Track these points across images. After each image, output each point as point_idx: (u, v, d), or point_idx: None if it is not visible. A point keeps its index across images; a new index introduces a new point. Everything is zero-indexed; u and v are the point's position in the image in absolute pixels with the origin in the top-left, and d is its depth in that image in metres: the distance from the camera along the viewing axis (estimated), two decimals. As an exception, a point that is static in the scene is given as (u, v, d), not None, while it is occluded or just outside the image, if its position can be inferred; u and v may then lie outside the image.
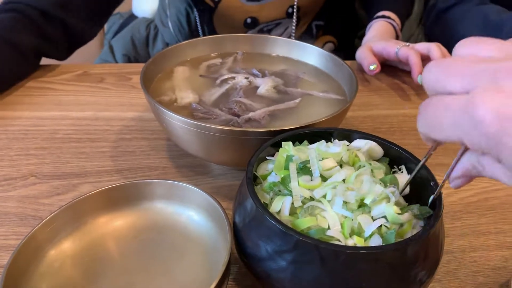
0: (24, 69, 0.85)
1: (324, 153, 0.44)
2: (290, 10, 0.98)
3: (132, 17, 1.49)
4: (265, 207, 0.39)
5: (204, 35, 1.08)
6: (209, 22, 1.04)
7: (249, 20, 1.01)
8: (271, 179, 0.44)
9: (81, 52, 1.63)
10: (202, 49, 0.75)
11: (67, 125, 0.73)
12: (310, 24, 1.07)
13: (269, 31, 1.05)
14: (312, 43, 0.76)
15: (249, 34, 0.90)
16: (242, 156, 0.55)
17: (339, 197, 0.40)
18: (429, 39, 1.23)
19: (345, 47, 1.18)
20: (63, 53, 0.92)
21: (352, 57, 0.93)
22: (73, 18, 0.87)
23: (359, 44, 0.95)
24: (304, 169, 0.43)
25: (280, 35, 1.06)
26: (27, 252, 0.44)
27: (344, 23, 1.09)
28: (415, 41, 1.20)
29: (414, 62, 0.80)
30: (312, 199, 0.41)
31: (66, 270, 0.45)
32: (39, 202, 0.58)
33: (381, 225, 0.38)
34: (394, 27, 0.96)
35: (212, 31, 1.06)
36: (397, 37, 0.97)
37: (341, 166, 0.45)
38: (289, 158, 0.44)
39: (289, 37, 1.04)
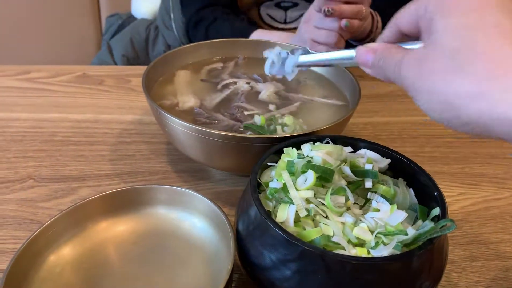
0: None
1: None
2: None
3: (131, 18, 1.48)
4: (269, 215, 0.39)
5: None
6: None
7: None
8: (273, 185, 0.43)
9: (77, 52, 1.63)
10: (203, 53, 0.75)
11: (66, 127, 0.73)
12: None
13: (285, 9, 1.05)
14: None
15: (251, 38, 0.90)
16: (243, 162, 0.55)
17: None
18: None
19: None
20: None
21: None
22: None
23: None
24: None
25: (297, 18, 1.06)
26: (27, 257, 0.43)
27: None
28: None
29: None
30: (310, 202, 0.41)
31: (66, 276, 0.44)
32: (38, 206, 0.57)
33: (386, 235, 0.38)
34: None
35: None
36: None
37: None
38: (289, 164, 0.43)
39: None
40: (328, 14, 0.73)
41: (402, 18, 0.34)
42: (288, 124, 0.60)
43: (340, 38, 0.78)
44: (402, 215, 0.39)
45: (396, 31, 0.36)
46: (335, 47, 0.73)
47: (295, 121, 0.61)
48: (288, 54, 0.52)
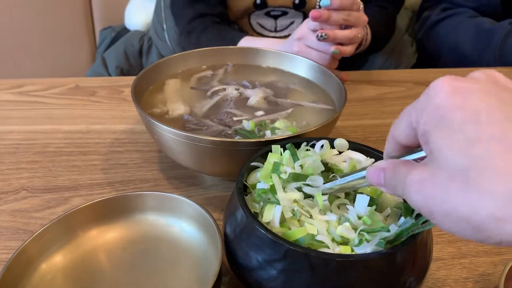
0: None
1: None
2: (297, 1, 0.99)
3: (124, 30, 1.50)
4: (255, 216, 0.40)
5: None
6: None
7: (258, 1, 1.03)
8: (260, 186, 0.44)
9: (72, 65, 1.64)
10: (193, 62, 0.76)
11: (58, 138, 0.74)
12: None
13: (275, 17, 1.07)
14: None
15: (239, 46, 0.91)
16: (233, 167, 0.55)
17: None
18: (420, 50, 1.25)
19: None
20: None
21: (343, 67, 0.94)
22: None
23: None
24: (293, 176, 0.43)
25: (287, 26, 1.08)
26: (18, 266, 0.44)
27: None
28: (402, 51, 1.22)
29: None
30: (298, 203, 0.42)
31: (57, 284, 0.45)
32: (31, 216, 0.58)
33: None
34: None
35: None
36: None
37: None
38: (276, 166, 0.44)
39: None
40: (321, 39, 0.74)
41: (398, 133, 0.32)
42: (279, 128, 0.60)
43: (333, 60, 0.79)
44: (365, 198, 0.40)
45: (397, 146, 0.34)
46: (327, 67, 0.73)
47: (287, 123, 0.61)
48: None
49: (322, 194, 0.42)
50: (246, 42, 0.93)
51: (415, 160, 0.33)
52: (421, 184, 0.28)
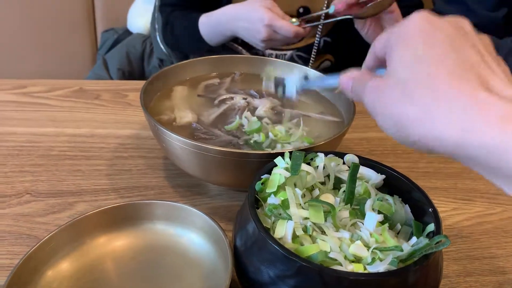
0: None
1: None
2: (301, 10, 1.00)
3: (126, 33, 1.50)
4: (267, 231, 0.39)
5: None
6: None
7: None
8: (271, 201, 0.44)
9: (73, 67, 1.63)
10: (200, 69, 0.76)
11: (62, 141, 0.73)
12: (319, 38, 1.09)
13: None
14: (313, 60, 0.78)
15: (247, 55, 0.91)
16: (241, 177, 0.55)
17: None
18: None
19: (341, 66, 1.19)
20: None
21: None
22: None
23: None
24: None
25: None
26: (24, 273, 0.43)
27: (349, 45, 1.10)
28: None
29: None
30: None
31: (63, 292, 0.44)
32: (34, 221, 0.57)
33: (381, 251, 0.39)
34: None
35: None
36: None
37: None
38: (289, 181, 0.44)
39: (299, 41, 1.08)
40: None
41: (377, 45, 0.37)
42: (279, 134, 0.61)
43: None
44: (375, 216, 0.40)
45: (374, 57, 0.39)
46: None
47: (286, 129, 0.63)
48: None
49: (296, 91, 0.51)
50: (204, 18, 0.97)
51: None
52: (373, 89, 0.35)
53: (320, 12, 0.83)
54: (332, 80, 0.43)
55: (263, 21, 0.82)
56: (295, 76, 0.55)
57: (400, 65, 0.32)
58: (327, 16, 0.85)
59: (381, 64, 0.38)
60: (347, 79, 0.39)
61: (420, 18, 0.33)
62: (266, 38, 0.84)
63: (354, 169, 0.45)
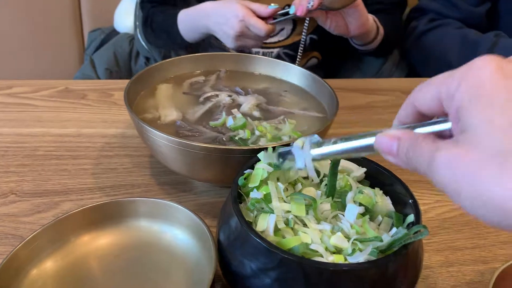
0: None
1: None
2: (286, 8, 1.01)
3: (114, 32, 1.49)
4: (250, 225, 0.40)
5: None
6: None
7: None
8: (254, 195, 0.44)
9: (60, 67, 1.62)
10: (185, 67, 0.76)
11: (48, 141, 0.73)
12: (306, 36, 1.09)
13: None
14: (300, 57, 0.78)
15: (232, 52, 0.92)
16: (226, 174, 0.56)
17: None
18: (407, 59, 1.27)
19: (328, 64, 1.20)
20: None
21: (332, 75, 0.95)
22: None
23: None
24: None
25: (277, 33, 1.08)
26: (8, 272, 0.43)
27: (335, 42, 1.11)
28: (393, 63, 1.24)
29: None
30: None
31: (48, 290, 0.44)
32: (19, 221, 0.57)
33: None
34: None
35: None
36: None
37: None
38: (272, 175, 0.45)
39: (285, 39, 1.07)
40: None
41: (423, 99, 0.31)
42: (265, 131, 0.61)
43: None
44: (355, 208, 0.41)
45: (414, 112, 0.33)
46: None
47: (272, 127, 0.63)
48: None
49: (313, 160, 0.38)
50: (181, 15, 0.99)
51: (435, 133, 0.30)
52: (451, 162, 0.26)
53: (282, 11, 0.84)
54: (363, 142, 0.33)
55: (238, 17, 0.83)
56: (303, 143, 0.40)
57: (490, 133, 0.25)
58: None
59: (422, 119, 0.32)
60: (390, 140, 0.31)
61: (491, 67, 0.26)
62: (239, 33, 0.84)
63: (335, 163, 0.45)
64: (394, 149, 0.31)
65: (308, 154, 0.38)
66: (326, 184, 0.46)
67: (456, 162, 0.26)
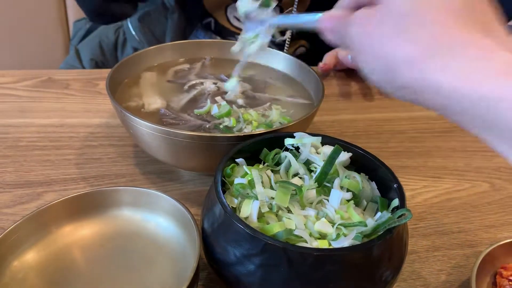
0: None
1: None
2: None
3: (98, 22, 1.46)
4: (233, 211, 0.39)
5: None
6: None
7: None
8: (238, 180, 0.44)
9: (45, 57, 1.60)
10: (169, 55, 0.75)
11: (31, 132, 0.72)
12: None
13: None
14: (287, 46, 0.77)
15: (217, 40, 0.90)
16: (211, 162, 0.55)
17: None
18: None
19: (316, 52, 1.19)
20: None
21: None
22: None
23: None
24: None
25: None
26: (-12, 264, 0.42)
27: None
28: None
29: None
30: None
31: (30, 282, 0.44)
32: (1, 212, 0.56)
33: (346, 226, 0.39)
34: None
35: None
36: None
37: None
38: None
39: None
40: None
41: None
42: (252, 118, 0.60)
43: None
44: (339, 193, 0.41)
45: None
46: None
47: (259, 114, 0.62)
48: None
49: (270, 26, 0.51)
50: None
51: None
52: (361, 22, 0.30)
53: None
54: (309, 18, 0.40)
55: None
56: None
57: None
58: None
59: (362, 6, 0.34)
60: (329, 18, 0.35)
61: None
62: None
63: (335, 152, 0.44)
64: (331, 26, 0.35)
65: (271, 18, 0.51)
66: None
67: (365, 21, 0.30)
